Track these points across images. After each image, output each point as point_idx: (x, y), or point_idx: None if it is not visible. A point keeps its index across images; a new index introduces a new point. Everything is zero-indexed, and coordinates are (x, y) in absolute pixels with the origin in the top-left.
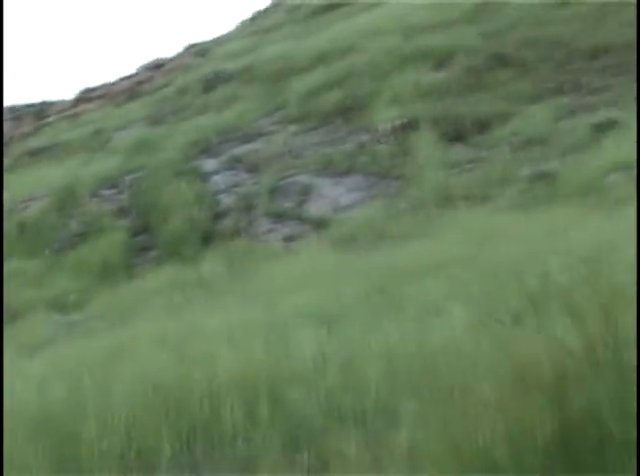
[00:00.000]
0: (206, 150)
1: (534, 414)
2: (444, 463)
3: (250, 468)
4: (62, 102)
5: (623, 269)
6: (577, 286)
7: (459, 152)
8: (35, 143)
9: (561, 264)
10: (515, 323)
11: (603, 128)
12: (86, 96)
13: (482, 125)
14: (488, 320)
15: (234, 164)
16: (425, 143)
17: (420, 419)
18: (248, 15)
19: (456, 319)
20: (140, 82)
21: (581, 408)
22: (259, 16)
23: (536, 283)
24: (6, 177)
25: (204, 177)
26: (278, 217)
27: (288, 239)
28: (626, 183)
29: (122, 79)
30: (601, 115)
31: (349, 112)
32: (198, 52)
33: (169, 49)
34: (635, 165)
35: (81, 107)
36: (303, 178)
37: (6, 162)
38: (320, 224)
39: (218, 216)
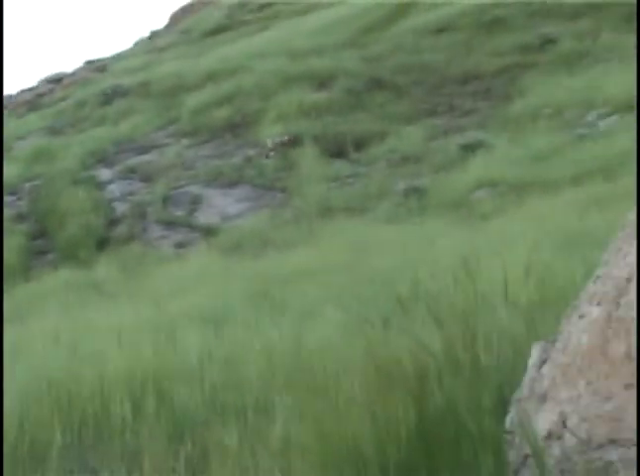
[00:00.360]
0: (103, 160)
1: (397, 409)
2: (314, 454)
3: (136, 459)
4: None
5: (484, 277)
6: (441, 292)
7: (339, 167)
8: None
9: (429, 272)
10: (384, 326)
11: (471, 148)
12: None
13: (361, 143)
14: (360, 323)
15: (129, 173)
16: (308, 158)
17: (294, 414)
18: (145, 34)
19: (331, 321)
20: (40, 95)
21: (440, 404)
22: (155, 36)
23: (406, 289)
24: None
25: (100, 185)
26: (170, 224)
27: (179, 245)
28: (490, 199)
29: (23, 91)
30: (470, 136)
31: (237, 128)
32: (97, 67)
33: (70, 64)
34: None
35: None
36: (194, 189)
37: None
38: (209, 232)
39: (113, 223)
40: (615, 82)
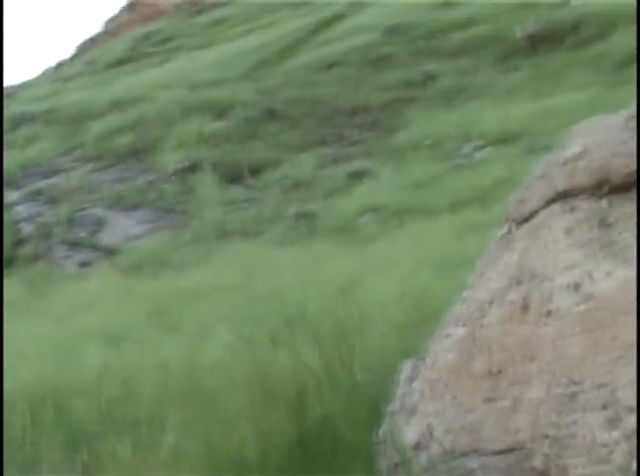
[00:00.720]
0: (10, 183)
1: (279, 422)
2: (202, 463)
3: (34, 468)
4: None
5: (366, 297)
6: (325, 312)
7: (235, 192)
8: None
9: (316, 292)
10: (271, 344)
11: (358, 175)
12: None
13: (256, 169)
14: (249, 341)
15: (35, 196)
16: (206, 183)
17: (185, 427)
18: (52, 63)
19: (223, 339)
20: None
21: (319, 417)
22: (61, 65)
23: (293, 309)
24: None
25: (7, 207)
26: (74, 245)
27: (83, 265)
28: (374, 224)
29: None
30: (356, 164)
31: (140, 154)
32: (5, 94)
33: None
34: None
35: None
36: (97, 211)
37: None
38: (111, 252)
39: (19, 243)
40: (490, 117)
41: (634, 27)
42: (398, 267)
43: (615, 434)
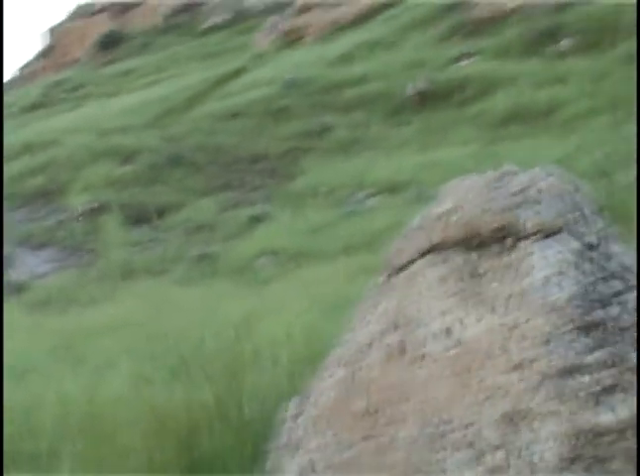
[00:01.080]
0: None
1: (171, 455)
2: None
3: None
4: None
5: (259, 336)
6: (220, 350)
7: (141, 233)
8: None
9: (213, 331)
10: (168, 380)
11: (257, 219)
12: None
13: (162, 212)
14: (147, 377)
15: None
16: (113, 224)
17: (81, 459)
18: None
19: (124, 374)
20: None
21: (209, 451)
22: None
23: (191, 346)
24: None
25: None
26: None
27: None
28: (271, 266)
29: None
30: (257, 209)
31: (49, 195)
32: None
33: None
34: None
35: None
36: (7, 249)
37: None
38: (19, 289)
39: None
40: (381, 167)
41: (513, 88)
42: (292, 307)
43: (480, 470)
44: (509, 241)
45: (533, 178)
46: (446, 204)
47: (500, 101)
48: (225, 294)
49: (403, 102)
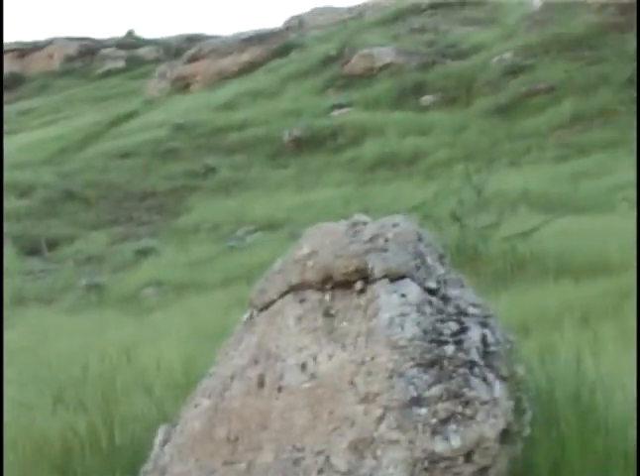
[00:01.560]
0: None
1: None
2: None
3: None
4: None
5: (139, 364)
6: (99, 377)
7: (33, 263)
8: None
9: (96, 357)
10: (49, 406)
11: (144, 253)
12: None
13: (54, 244)
14: (27, 403)
15: None
16: (7, 254)
17: None
18: None
19: (6, 399)
20: None
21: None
22: None
23: (73, 373)
24: None
25: None
26: None
27: None
28: (155, 296)
29: None
30: (144, 243)
31: None
32: None
33: None
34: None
35: None
36: None
37: None
38: None
39: None
40: (260, 206)
41: (381, 137)
42: (171, 337)
43: None
44: (359, 284)
45: (381, 227)
46: (304, 249)
47: (369, 148)
48: (111, 322)
49: (281, 147)
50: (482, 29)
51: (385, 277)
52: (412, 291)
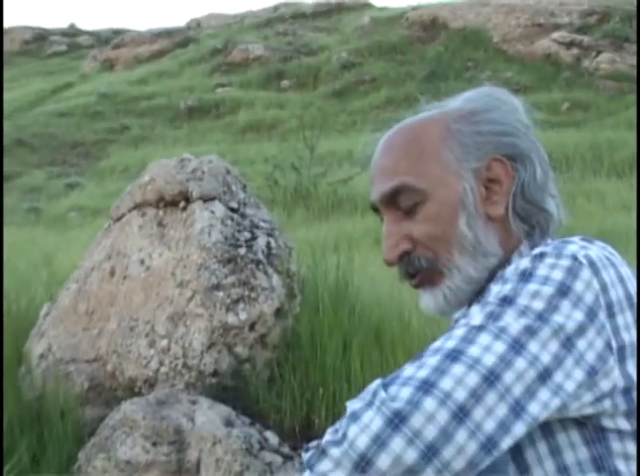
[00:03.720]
0: None
1: None
2: None
3: None
4: None
5: (56, 264)
6: (26, 272)
7: None
8: None
9: (26, 258)
10: None
11: (72, 186)
12: None
13: (7, 177)
14: None
15: None
16: None
17: None
18: None
19: None
20: None
21: None
22: None
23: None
24: None
25: None
26: None
27: None
28: (78, 218)
29: None
30: (72, 179)
31: None
32: None
33: None
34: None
35: None
36: None
37: None
38: None
39: None
40: (159, 155)
41: (251, 109)
42: (79, 245)
43: (152, 351)
44: (182, 203)
45: (200, 163)
46: (146, 178)
47: (242, 117)
48: (42, 235)
49: (178, 113)
50: (327, 35)
51: (200, 198)
52: (219, 209)
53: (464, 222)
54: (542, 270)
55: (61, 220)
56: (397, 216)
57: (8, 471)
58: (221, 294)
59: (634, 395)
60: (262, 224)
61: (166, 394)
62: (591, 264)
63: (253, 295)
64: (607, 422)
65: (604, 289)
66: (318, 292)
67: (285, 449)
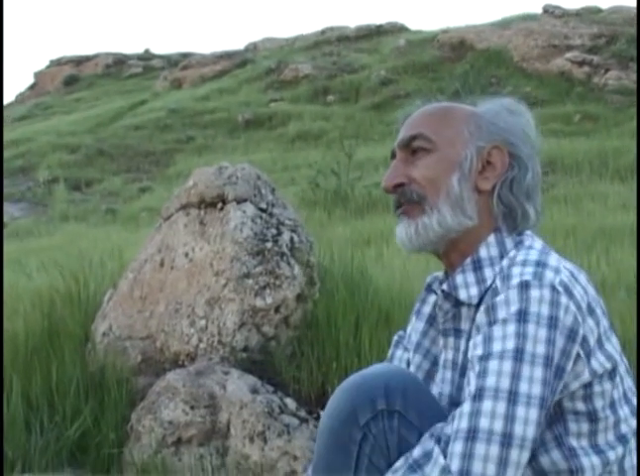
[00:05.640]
0: None
1: (38, 317)
2: None
3: None
4: None
5: (126, 256)
6: (101, 264)
7: (75, 195)
8: None
9: (97, 251)
10: (55, 276)
11: (144, 190)
12: None
13: (89, 183)
14: (33, 273)
15: None
16: (59, 190)
17: None
18: None
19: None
20: None
21: (61, 316)
22: None
23: (75, 257)
24: None
25: None
26: None
27: None
28: (148, 217)
29: None
30: (144, 183)
31: (25, 171)
32: None
33: None
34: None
35: None
36: None
37: None
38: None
39: None
40: (220, 162)
41: (300, 121)
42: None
43: (192, 330)
44: (220, 205)
45: (235, 170)
46: (190, 183)
47: (292, 128)
48: (118, 233)
49: (236, 125)
50: (368, 55)
51: (235, 200)
52: (250, 209)
53: (456, 178)
54: (533, 307)
55: (134, 220)
56: (406, 159)
57: (76, 429)
58: (251, 281)
59: (599, 383)
60: (287, 222)
61: (204, 366)
62: (566, 290)
63: (277, 282)
64: (567, 403)
65: (578, 306)
66: (334, 280)
67: (302, 413)
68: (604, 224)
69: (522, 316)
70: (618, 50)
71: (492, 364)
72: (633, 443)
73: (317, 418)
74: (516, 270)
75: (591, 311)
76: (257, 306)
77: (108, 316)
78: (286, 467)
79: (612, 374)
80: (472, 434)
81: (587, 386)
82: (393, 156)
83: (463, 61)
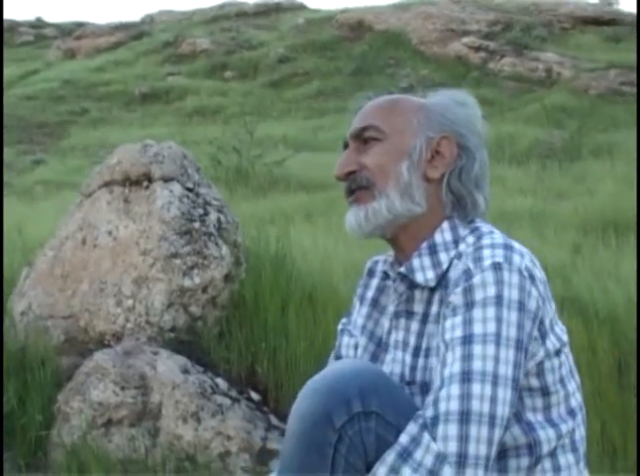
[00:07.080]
0: None
1: None
2: None
3: None
4: None
5: (30, 233)
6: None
7: None
8: None
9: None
10: None
11: (37, 162)
12: None
13: None
14: None
15: None
16: None
17: None
18: None
19: None
20: None
21: None
22: None
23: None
24: None
25: None
26: None
27: None
28: (43, 191)
29: None
30: (38, 156)
31: None
32: None
33: None
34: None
35: None
36: None
37: None
38: None
39: None
40: (115, 136)
41: (197, 96)
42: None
43: (119, 309)
44: (145, 183)
45: (161, 148)
46: (114, 159)
47: (189, 103)
48: (10, 207)
49: (133, 98)
50: (266, 32)
51: (161, 179)
52: (177, 188)
53: (405, 166)
54: (506, 291)
55: (29, 193)
56: (357, 148)
57: None
58: (178, 261)
59: (557, 358)
60: (213, 202)
61: (132, 346)
62: (530, 275)
63: (205, 262)
64: (523, 381)
65: (539, 291)
66: (260, 260)
67: (233, 393)
68: (504, 208)
69: (499, 300)
70: (513, 37)
71: (477, 348)
72: (580, 417)
73: (248, 399)
74: (487, 252)
75: (547, 295)
76: (185, 286)
77: (26, 295)
78: (220, 447)
79: (559, 352)
80: (464, 417)
81: (540, 363)
82: (346, 146)
83: (361, 42)
